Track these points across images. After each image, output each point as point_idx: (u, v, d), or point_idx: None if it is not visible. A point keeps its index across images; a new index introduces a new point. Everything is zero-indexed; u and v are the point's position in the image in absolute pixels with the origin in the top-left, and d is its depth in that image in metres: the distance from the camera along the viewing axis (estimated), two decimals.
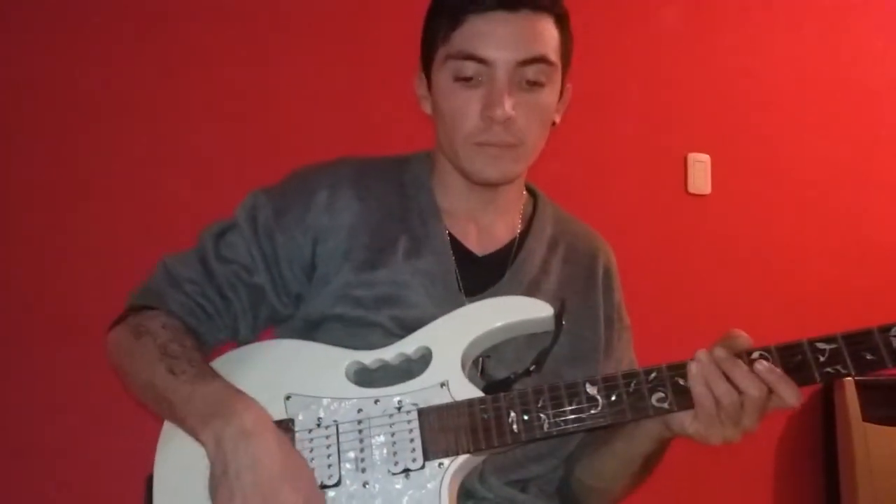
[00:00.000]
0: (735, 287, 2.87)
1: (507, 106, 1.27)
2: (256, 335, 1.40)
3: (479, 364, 1.33)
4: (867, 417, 2.70)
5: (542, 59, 1.29)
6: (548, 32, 1.30)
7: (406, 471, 1.19)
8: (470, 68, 1.28)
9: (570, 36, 1.36)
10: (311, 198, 1.36)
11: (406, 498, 1.18)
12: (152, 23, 2.37)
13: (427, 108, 1.40)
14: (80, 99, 2.30)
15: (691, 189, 2.88)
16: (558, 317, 1.27)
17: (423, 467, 1.19)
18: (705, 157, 2.89)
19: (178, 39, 2.38)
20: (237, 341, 1.39)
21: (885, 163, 3.10)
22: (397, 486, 1.18)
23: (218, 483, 1.11)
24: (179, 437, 1.24)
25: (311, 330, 1.35)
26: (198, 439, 1.16)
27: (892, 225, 3.06)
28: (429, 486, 1.18)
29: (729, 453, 2.74)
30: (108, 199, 2.29)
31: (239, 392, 1.19)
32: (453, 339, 1.26)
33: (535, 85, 1.30)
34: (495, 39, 1.27)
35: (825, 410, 2.85)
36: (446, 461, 1.19)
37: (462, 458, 1.19)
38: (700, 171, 2.89)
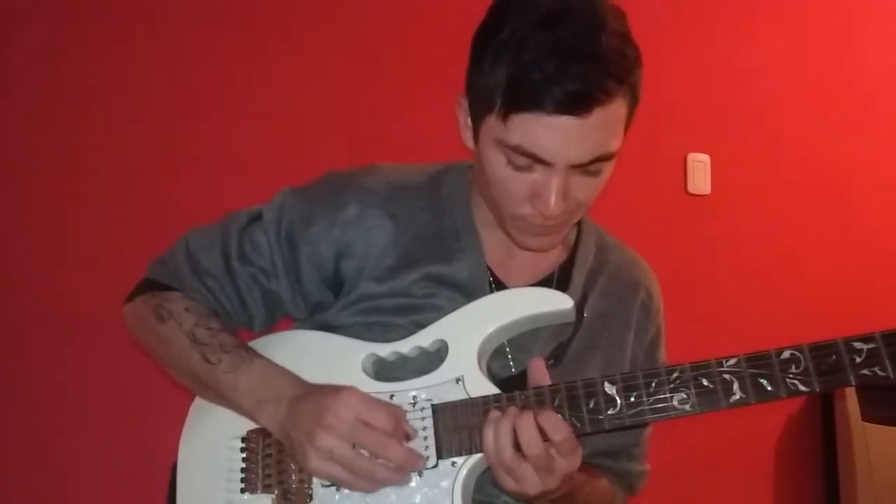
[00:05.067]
0: (735, 287, 2.87)
1: (561, 201, 1.18)
2: (272, 327, 1.39)
3: (508, 354, 1.31)
4: (867, 417, 2.70)
5: (605, 157, 1.18)
6: (616, 120, 1.16)
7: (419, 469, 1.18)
8: (524, 161, 1.16)
9: (640, 81, 1.20)
10: (340, 212, 1.31)
11: (419, 496, 1.17)
12: (153, 23, 2.37)
13: (468, 141, 1.28)
14: (80, 99, 2.29)
15: (691, 189, 2.88)
16: (579, 308, 1.25)
17: (436, 465, 1.18)
18: (705, 157, 2.89)
19: (179, 39, 2.38)
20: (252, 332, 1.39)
21: (885, 163, 3.11)
22: (411, 484, 1.18)
23: (293, 451, 1.19)
24: (202, 427, 1.27)
25: (329, 330, 1.33)
26: (256, 423, 1.25)
27: (892, 225, 3.07)
28: (442, 484, 1.17)
29: (729, 453, 2.77)
30: (108, 199, 2.28)
31: (275, 369, 1.25)
32: (469, 332, 1.24)
33: (593, 173, 1.20)
34: (558, 143, 1.13)
35: (825, 410, 2.86)
36: (459, 460, 1.18)
37: (476, 457, 1.18)
38: (700, 171, 2.89)
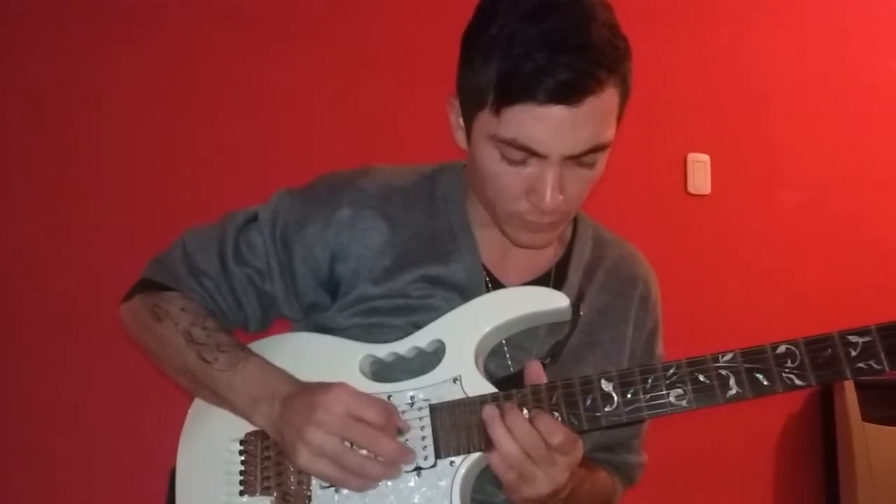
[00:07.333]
0: (735, 287, 2.87)
1: (557, 194, 1.17)
2: (266, 329, 1.40)
3: (505, 354, 1.31)
4: (867, 417, 2.70)
5: (599, 148, 1.17)
6: (609, 110, 1.16)
7: (418, 469, 1.18)
8: (519, 155, 1.16)
9: (631, 72, 1.19)
10: (334, 214, 1.31)
11: (418, 496, 1.17)
12: (152, 23, 2.37)
13: (461, 142, 1.28)
14: (80, 99, 2.29)
15: (691, 189, 2.89)
16: (575, 307, 1.25)
17: (434, 465, 1.18)
18: (705, 157, 2.90)
19: (179, 39, 2.38)
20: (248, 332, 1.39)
21: (885, 163, 3.11)
22: (409, 484, 1.18)
23: (286, 449, 1.19)
24: (201, 430, 1.27)
25: (327, 332, 1.33)
26: (251, 422, 1.24)
27: (892, 225, 3.07)
28: (441, 484, 1.17)
29: (729, 452, 2.77)
30: (107, 199, 2.28)
31: (270, 368, 1.24)
32: (466, 331, 1.24)
33: (588, 165, 1.20)
34: (551, 135, 1.13)
35: (825, 410, 2.86)
36: (458, 459, 1.18)
37: (474, 456, 1.18)
38: (700, 171, 2.89)
